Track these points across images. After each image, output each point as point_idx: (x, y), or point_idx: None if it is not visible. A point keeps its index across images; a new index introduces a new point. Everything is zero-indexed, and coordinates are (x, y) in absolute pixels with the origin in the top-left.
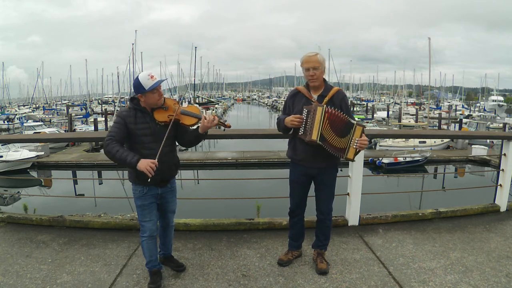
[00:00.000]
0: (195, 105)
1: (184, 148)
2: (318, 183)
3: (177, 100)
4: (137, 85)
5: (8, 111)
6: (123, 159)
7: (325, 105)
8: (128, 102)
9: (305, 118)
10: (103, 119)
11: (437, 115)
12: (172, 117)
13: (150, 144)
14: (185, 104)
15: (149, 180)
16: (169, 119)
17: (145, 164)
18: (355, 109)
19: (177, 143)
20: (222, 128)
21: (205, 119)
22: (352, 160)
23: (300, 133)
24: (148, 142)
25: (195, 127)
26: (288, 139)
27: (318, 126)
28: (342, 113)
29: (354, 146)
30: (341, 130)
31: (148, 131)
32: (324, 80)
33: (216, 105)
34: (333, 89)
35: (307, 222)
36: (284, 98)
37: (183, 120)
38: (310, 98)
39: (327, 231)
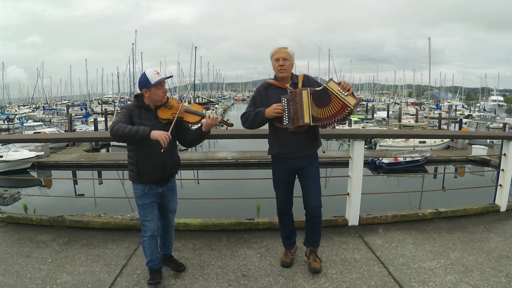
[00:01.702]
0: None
1: (184, 148)
2: (305, 177)
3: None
4: (143, 80)
5: (8, 111)
6: (133, 132)
7: (308, 88)
8: (128, 102)
9: (286, 107)
10: (103, 119)
11: (437, 115)
12: (176, 115)
13: (152, 141)
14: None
15: (162, 150)
16: (173, 117)
17: (159, 133)
18: None
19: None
20: (225, 127)
21: (209, 117)
22: (356, 105)
23: (285, 123)
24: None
25: (197, 126)
26: (268, 138)
27: (308, 109)
28: (319, 88)
29: (346, 94)
30: (325, 100)
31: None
32: (292, 73)
33: (216, 105)
34: (299, 75)
35: (296, 222)
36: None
37: (186, 118)
38: (286, 88)
39: (319, 228)
